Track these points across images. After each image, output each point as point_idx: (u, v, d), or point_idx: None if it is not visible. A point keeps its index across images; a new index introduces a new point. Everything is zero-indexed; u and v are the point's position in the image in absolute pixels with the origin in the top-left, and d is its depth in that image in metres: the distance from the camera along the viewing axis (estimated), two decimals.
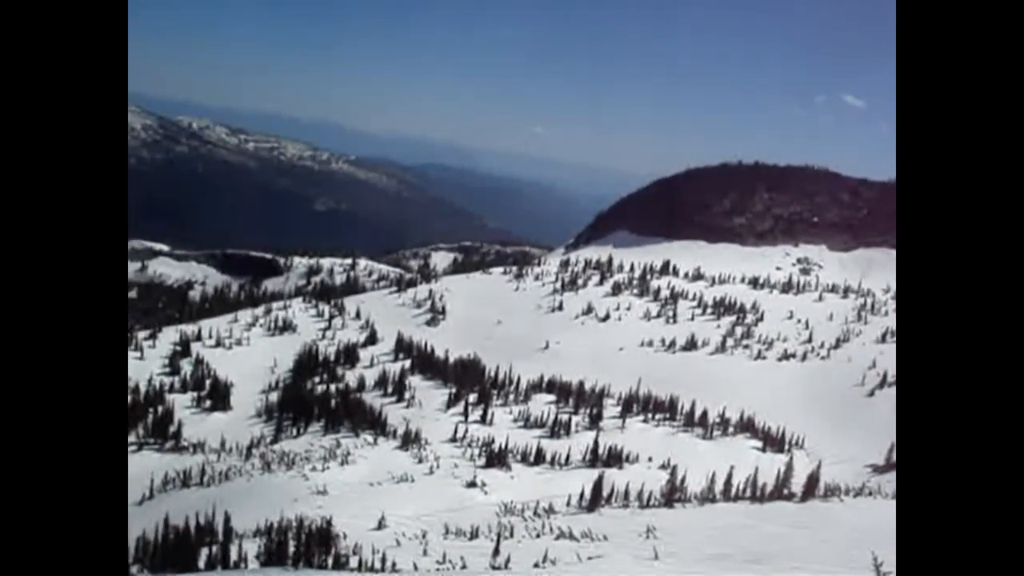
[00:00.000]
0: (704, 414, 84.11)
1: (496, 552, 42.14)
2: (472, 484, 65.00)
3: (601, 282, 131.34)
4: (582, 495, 58.72)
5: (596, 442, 74.15)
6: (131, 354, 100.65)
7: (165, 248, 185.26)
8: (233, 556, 37.94)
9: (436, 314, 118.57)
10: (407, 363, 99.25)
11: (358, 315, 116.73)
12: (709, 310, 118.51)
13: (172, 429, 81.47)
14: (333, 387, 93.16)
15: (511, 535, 48.64)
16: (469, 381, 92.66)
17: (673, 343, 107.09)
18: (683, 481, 60.37)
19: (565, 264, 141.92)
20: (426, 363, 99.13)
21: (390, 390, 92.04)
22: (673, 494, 58.58)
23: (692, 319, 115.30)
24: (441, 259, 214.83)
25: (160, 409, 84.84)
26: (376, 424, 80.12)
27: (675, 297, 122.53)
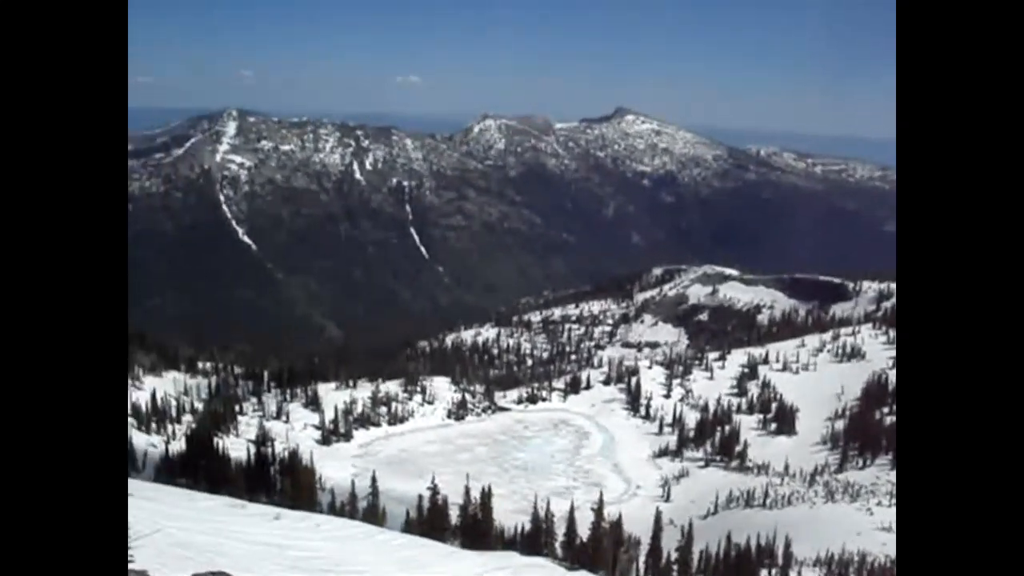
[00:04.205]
0: None
1: None
2: None
3: None
4: None
5: None
6: (701, 374, 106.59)
7: (735, 273, 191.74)
8: None
9: None
10: None
11: None
12: None
13: (738, 449, 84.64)
14: None
15: None
16: None
17: None
18: None
19: None
20: None
21: None
22: None
23: None
24: None
25: (727, 428, 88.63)
26: None
27: None
